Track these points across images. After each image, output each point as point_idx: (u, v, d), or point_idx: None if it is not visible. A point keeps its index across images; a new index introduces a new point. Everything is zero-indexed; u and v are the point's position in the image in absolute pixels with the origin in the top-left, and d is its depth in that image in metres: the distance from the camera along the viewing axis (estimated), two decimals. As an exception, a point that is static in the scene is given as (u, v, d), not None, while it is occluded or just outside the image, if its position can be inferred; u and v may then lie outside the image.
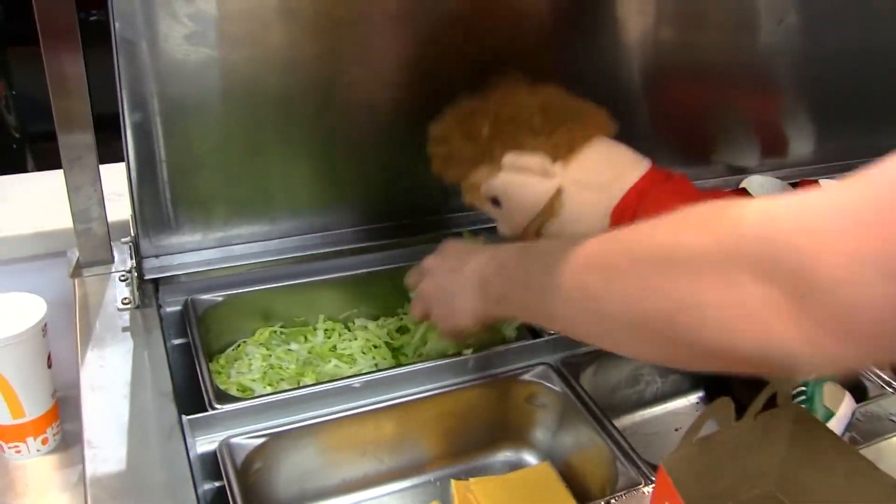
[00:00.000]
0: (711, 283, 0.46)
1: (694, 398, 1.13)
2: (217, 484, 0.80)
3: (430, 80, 1.03)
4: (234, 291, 1.04)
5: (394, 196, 1.14)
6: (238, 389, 0.96)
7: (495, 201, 0.86)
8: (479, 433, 0.97)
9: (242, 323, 1.06)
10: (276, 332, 1.07)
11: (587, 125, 0.83)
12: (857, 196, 0.40)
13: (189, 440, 0.81)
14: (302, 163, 1.07)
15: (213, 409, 0.84)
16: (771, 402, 0.71)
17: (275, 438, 0.84)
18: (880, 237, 0.38)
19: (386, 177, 1.12)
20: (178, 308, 1.01)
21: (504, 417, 0.96)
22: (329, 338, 1.08)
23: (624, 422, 1.09)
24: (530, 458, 0.97)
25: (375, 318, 1.12)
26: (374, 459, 0.92)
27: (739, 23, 1.27)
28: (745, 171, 1.40)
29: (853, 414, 0.86)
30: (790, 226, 0.42)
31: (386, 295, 1.12)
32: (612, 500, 0.78)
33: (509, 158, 0.82)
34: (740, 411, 0.70)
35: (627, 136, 1.29)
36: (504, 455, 0.98)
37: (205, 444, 0.82)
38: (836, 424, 0.83)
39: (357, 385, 0.88)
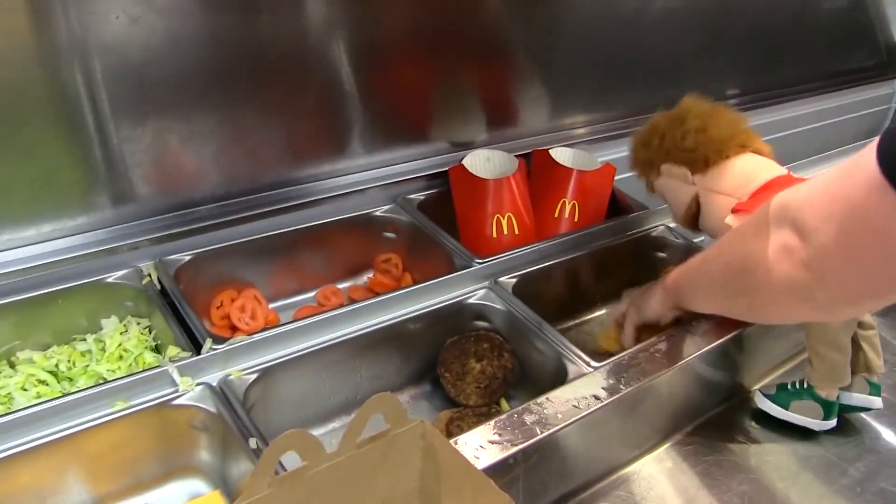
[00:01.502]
0: (756, 241, 0.74)
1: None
2: None
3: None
4: None
5: (62, 208, 1.03)
6: None
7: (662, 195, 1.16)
8: (147, 466, 0.88)
9: None
10: (-87, 378, 0.93)
11: (731, 145, 1.06)
12: (829, 178, 0.65)
13: None
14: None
15: None
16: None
17: None
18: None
19: (49, 190, 1.00)
20: None
21: (169, 446, 0.87)
22: (-16, 376, 0.95)
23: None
24: (203, 486, 0.89)
25: (46, 348, 1.00)
26: (16, 515, 0.81)
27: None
28: (470, 146, 1.36)
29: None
30: (793, 194, 0.70)
31: (59, 320, 1.01)
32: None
33: (665, 167, 1.11)
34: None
35: (344, 123, 1.23)
36: (175, 486, 0.89)
37: None
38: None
39: (-27, 435, 0.77)
